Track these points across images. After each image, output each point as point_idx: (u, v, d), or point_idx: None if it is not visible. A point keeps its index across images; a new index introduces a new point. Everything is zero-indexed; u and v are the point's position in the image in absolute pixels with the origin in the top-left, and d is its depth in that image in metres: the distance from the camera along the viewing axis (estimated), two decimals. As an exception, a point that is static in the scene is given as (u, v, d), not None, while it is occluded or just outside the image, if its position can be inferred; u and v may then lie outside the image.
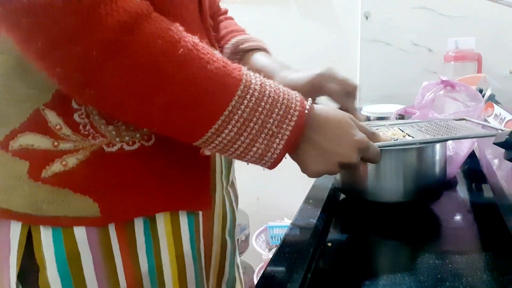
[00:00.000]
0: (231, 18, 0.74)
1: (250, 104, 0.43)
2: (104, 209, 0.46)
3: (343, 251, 0.57)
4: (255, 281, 0.51)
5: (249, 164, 0.48)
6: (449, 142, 0.77)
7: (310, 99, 0.48)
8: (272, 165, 0.47)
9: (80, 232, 0.46)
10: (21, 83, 0.44)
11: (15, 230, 0.46)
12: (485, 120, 0.93)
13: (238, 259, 0.71)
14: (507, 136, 0.58)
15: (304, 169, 0.51)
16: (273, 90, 0.45)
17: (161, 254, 0.50)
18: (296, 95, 0.47)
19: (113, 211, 0.46)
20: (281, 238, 0.59)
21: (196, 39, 0.42)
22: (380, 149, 0.55)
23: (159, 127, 0.44)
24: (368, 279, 0.50)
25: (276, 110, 0.44)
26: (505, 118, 0.82)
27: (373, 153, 0.53)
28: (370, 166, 0.64)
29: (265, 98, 0.44)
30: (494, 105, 0.94)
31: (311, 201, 0.71)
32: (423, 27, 1.46)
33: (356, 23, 1.54)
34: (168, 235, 0.50)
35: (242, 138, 0.44)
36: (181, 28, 0.42)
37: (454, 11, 1.42)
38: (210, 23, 0.58)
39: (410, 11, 1.46)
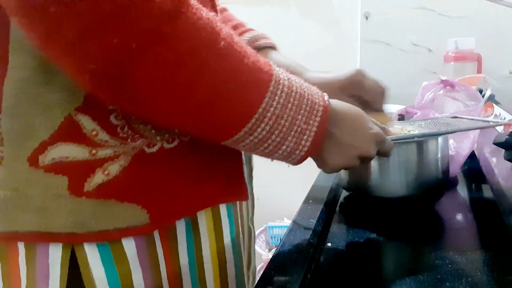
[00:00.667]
0: (226, 10, 0.72)
1: (281, 100, 0.41)
2: (153, 215, 0.43)
3: (343, 251, 0.57)
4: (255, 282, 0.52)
5: (276, 160, 0.47)
6: (451, 141, 0.78)
7: (326, 94, 0.47)
8: (298, 162, 0.46)
9: (129, 246, 0.42)
10: (46, 87, 0.39)
11: (55, 253, 0.41)
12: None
13: None
14: (507, 137, 0.58)
15: (322, 165, 0.50)
16: (298, 86, 0.44)
17: (203, 251, 0.49)
18: (317, 90, 0.46)
19: (161, 215, 0.44)
20: (281, 238, 0.59)
21: (231, 30, 0.40)
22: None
23: (193, 126, 0.41)
24: (368, 279, 0.50)
25: (304, 106, 0.43)
26: (505, 118, 0.83)
27: (388, 146, 0.53)
28: (374, 161, 0.65)
29: (293, 94, 0.42)
30: (494, 105, 0.94)
31: (311, 201, 0.71)
32: (423, 27, 1.46)
33: (356, 23, 1.54)
34: (209, 231, 0.49)
35: (273, 137, 0.42)
36: (217, 17, 0.39)
37: (454, 11, 1.42)
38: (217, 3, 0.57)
39: (410, 11, 1.46)
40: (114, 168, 0.41)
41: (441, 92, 0.81)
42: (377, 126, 0.52)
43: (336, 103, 0.49)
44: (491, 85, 0.99)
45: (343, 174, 0.74)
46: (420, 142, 0.67)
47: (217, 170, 0.49)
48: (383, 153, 0.54)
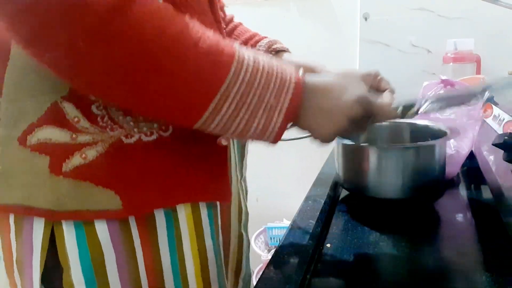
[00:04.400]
0: (241, 24, 0.75)
1: (246, 79, 0.42)
2: (126, 201, 0.45)
3: (342, 252, 0.57)
4: (254, 282, 0.52)
5: (253, 141, 0.47)
6: (451, 141, 0.78)
7: (302, 69, 0.48)
8: (275, 139, 0.46)
9: (102, 229, 0.45)
10: (38, 76, 0.44)
11: (38, 229, 0.45)
12: (484, 121, 0.93)
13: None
14: (506, 138, 0.58)
15: (316, 136, 0.50)
16: (266, 65, 0.44)
17: (184, 249, 0.50)
18: (291, 68, 0.46)
19: (135, 203, 0.46)
20: (280, 239, 0.59)
21: (187, 18, 0.41)
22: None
23: (155, 112, 0.43)
24: (367, 280, 0.50)
25: (272, 83, 0.44)
26: (504, 119, 0.83)
27: (377, 109, 0.50)
28: (372, 163, 0.65)
29: (259, 73, 0.43)
30: (493, 106, 0.94)
31: (310, 202, 0.71)
32: (422, 28, 1.46)
33: (355, 24, 1.55)
34: (190, 229, 0.50)
35: (241, 114, 0.43)
36: (170, 7, 0.40)
37: (453, 12, 1.43)
38: (221, 16, 0.58)
39: (409, 12, 1.46)
40: (91, 153, 0.44)
41: (442, 91, 0.82)
42: (368, 92, 0.50)
43: (318, 77, 0.49)
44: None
45: (343, 174, 0.74)
46: (418, 147, 0.68)
47: (199, 167, 0.50)
48: (372, 115, 0.51)
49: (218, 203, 0.54)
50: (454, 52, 1.34)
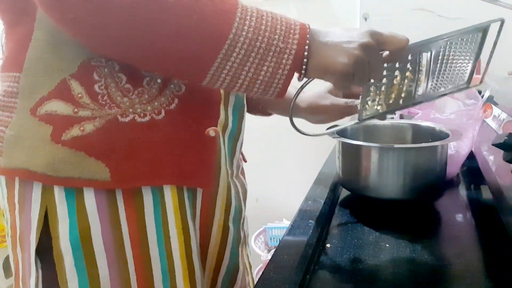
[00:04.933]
0: None
1: (252, 23, 0.44)
2: (114, 174, 0.49)
3: (342, 252, 0.57)
4: (254, 282, 0.52)
5: (258, 94, 0.48)
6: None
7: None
8: (283, 87, 0.47)
9: (91, 201, 0.49)
10: (53, 55, 0.49)
11: (36, 205, 0.49)
12: (484, 121, 0.93)
13: (247, 250, 0.73)
14: (506, 138, 0.58)
15: (332, 75, 0.48)
16: (269, 12, 0.46)
17: (169, 226, 0.52)
18: (292, 18, 0.48)
19: (122, 177, 0.49)
20: (280, 239, 0.59)
21: None
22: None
23: (168, 63, 0.46)
24: (367, 281, 0.50)
25: (278, 27, 0.45)
26: (503, 119, 0.83)
27: (389, 38, 0.50)
28: (373, 163, 0.66)
29: (264, 17, 0.45)
30: (493, 106, 0.94)
31: (310, 202, 0.71)
32: (422, 28, 1.45)
33: (355, 24, 1.55)
34: (175, 208, 0.53)
35: (251, 59, 0.45)
36: None
37: (453, 12, 1.43)
38: None
39: (408, 12, 1.46)
40: (88, 127, 0.48)
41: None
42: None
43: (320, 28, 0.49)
44: (489, 86, 0.99)
45: (343, 174, 0.74)
46: (420, 148, 0.68)
47: (185, 153, 0.53)
48: (389, 47, 0.50)
49: (200, 189, 0.56)
50: (454, 52, 1.34)
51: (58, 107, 0.49)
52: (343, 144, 0.72)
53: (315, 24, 0.49)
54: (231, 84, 0.47)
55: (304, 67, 0.47)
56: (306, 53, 0.47)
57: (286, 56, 0.46)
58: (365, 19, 1.52)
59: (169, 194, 0.52)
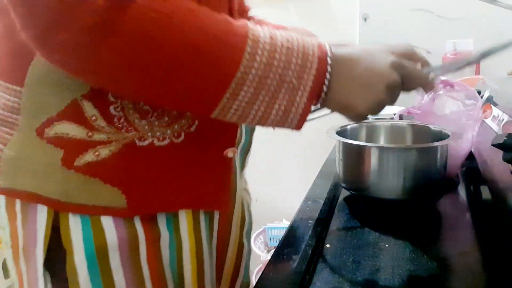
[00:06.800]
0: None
1: (264, 60, 0.40)
2: (130, 202, 0.46)
3: (342, 252, 0.57)
4: (254, 283, 0.52)
5: (275, 128, 0.45)
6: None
7: (327, 43, 0.45)
8: (299, 123, 0.44)
9: (107, 222, 0.46)
10: (62, 73, 0.44)
11: (42, 216, 0.46)
12: (483, 122, 0.93)
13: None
14: (505, 138, 0.58)
15: (351, 113, 0.46)
16: (285, 40, 0.42)
17: (183, 250, 0.51)
18: (312, 41, 0.43)
19: (139, 204, 0.47)
20: (280, 239, 0.59)
21: (194, 4, 0.40)
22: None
23: (169, 103, 0.44)
24: (367, 281, 0.50)
25: (294, 60, 0.41)
26: (503, 120, 0.83)
27: (411, 70, 0.47)
28: (373, 163, 0.66)
29: (278, 50, 0.41)
30: (492, 106, 0.94)
31: (309, 202, 0.71)
32: (421, 29, 1.46)
33: (355, 25, 1.55)
34: (189, 233, 0.51)
35: (260, 97, 0.41)
36: None
37: (452, 13, 1.43)
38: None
39: (408, 13, 1.47)
40: (104, 152, 0.45)
41: (441, 92, 0.82)
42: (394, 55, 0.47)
43: (344, 49, 0.46)
44: (489, 86, 0.99)
45: (343, 174, 0.74)
46: (420, 148, 0.68)
47: (203, 176, 0.51)
48: (408, 78, 0.47)
49: (217, 211, 0.55)
50: (453, 52, 1.34)
51: (69, 129, 0.45)
52: (343, 144, 0.72)
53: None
54: (242, 119, 0.43)
55: (320, 101, 0.45)
56: (325, 88, 0.44)
57: (300, 93, 0.42)
58: (365, 19, 1.52)
59: (184, 219, 0.51)
